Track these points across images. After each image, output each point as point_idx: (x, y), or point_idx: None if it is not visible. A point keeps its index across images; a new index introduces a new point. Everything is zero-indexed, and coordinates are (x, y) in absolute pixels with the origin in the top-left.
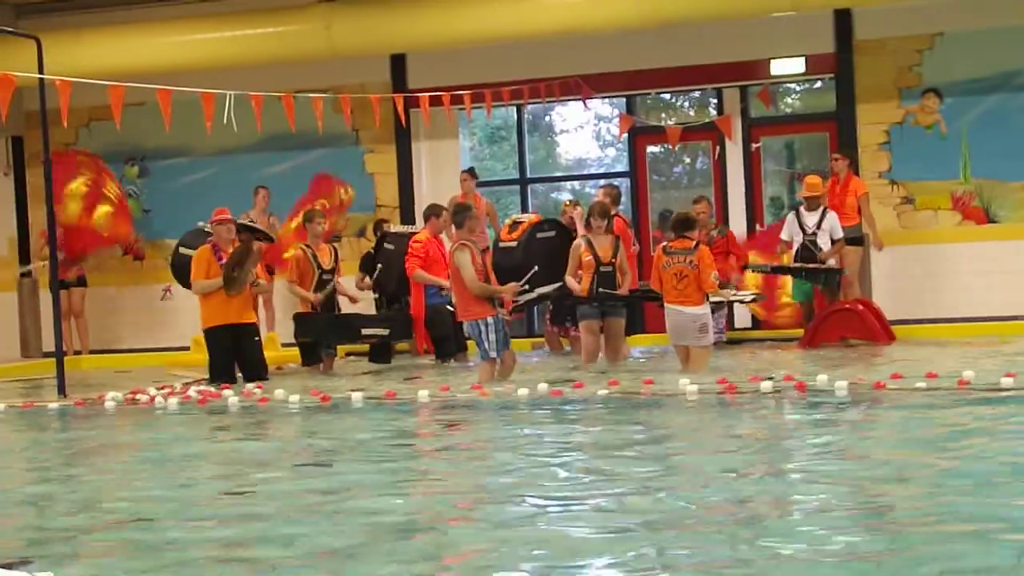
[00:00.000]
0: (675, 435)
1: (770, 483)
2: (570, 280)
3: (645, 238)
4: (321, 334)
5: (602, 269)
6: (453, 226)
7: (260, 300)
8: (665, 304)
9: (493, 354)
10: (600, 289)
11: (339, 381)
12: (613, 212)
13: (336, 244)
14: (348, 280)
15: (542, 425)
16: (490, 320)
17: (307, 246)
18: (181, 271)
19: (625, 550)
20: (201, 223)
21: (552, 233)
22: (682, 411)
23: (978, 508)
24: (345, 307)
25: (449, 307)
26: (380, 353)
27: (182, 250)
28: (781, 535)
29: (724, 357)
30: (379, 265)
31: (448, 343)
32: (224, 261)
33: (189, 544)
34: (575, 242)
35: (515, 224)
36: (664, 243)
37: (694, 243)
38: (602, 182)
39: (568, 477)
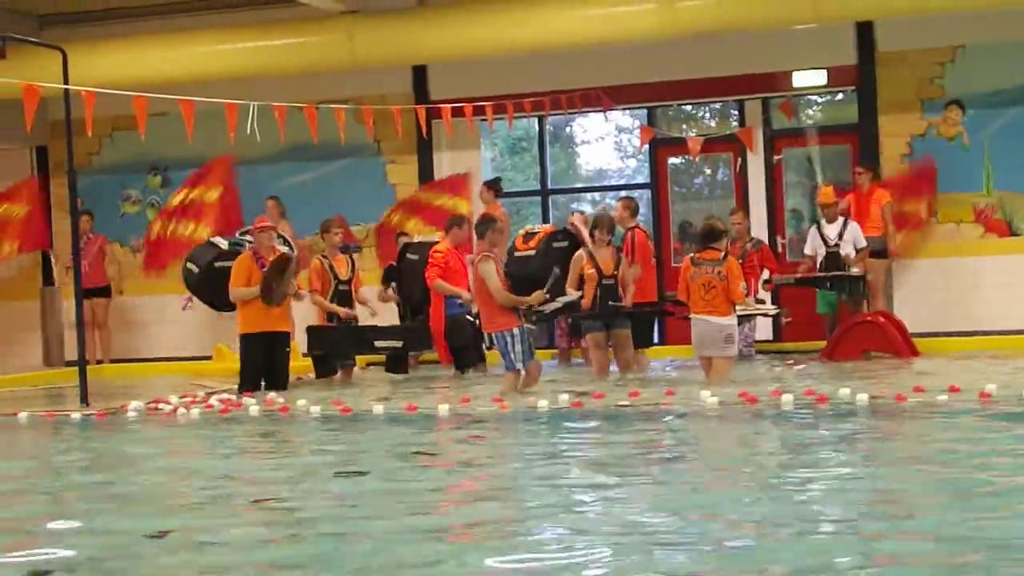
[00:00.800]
0: (694, 449)
1: (785, 502)
2: (571, 291)
3: (666, 250)
4: (335, 347)
5: (604, 282)
6: (476, 237)
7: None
8: (692, 314)
9: (519, 365)
10: (610, 302)
11: (358, 391)
12: (632, 224)
13: (357, 254)
14: (369, 290)
15: (567, 437)
16: (516, 331)
17: (324, 256)
18: (187, 283)
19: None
20: (213, 237)
21: (566, 243)
22: (703, 423)
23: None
24: (363, 317)
25: (469, 317)
26: (397, 363)
27: (189, 265)
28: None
29: (745, 370)
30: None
31: (467, 354)
32: (265, 268)
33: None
34: (576, 254)
35: (530, 234)
36: (692, 254)
37: (722, 254)
38: (622, 193)
39: (583, 501)
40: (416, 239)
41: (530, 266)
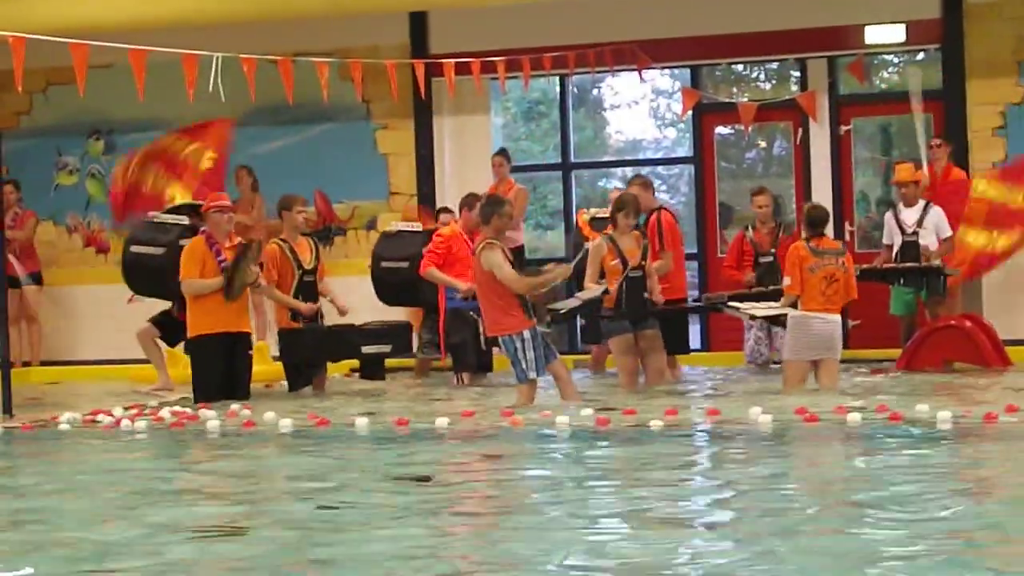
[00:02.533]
0: (741, 477)
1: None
2: (590, 285)
3: (711, 236)
4: (313, 352)
5: (631, 274)
6: (481, 222)
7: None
8: (803, 312)
9: (532, 374)
10: (646, 300)
11: (337, 402)
12: (657, 206)
13: (340, 238)
14: (340, 283)
15: (593, 459)
16: (526, 334)
17: (283, 240)
18: (133, 273)
19: None
20: (153, 212)
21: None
22: (756, 444)
23: None
24: (330, 315)
25: (472, 313)
26: (374, 369)
27: (134, 248)
28: None
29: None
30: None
31: (465, 353)
32: (223, 257)
33: None
34: (595, 243)
35: (598, 220)
36: (806, 241)
37: (841, 243)
38: (660, 169)
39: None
40: (394, 227)
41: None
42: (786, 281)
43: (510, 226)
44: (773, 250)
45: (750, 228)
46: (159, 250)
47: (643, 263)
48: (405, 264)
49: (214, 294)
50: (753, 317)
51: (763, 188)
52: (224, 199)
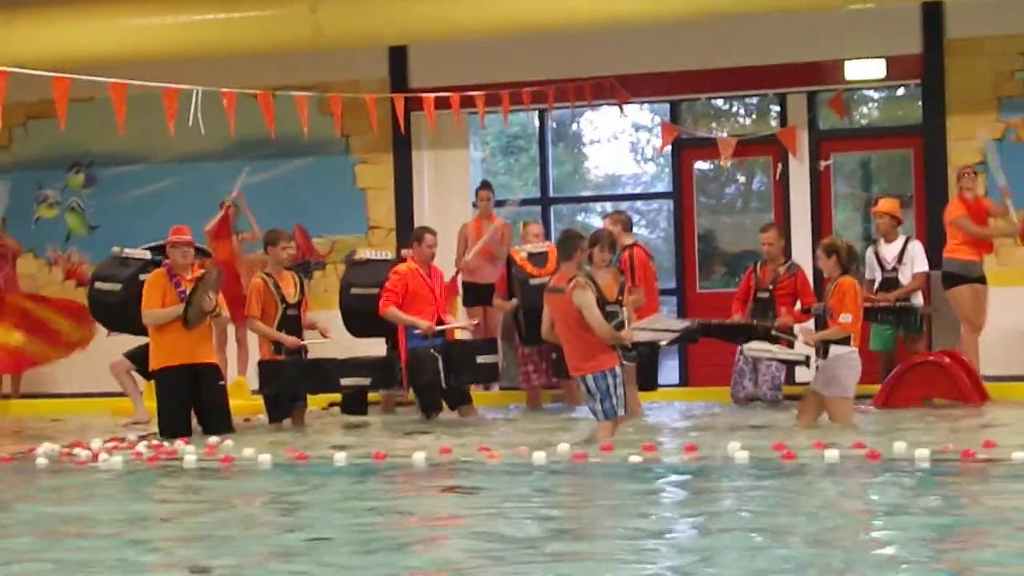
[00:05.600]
0: (717, 513)
1: None
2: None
3: (690, 270)
4: (292, 385)
5: (608, 308)
6: (561, 259)
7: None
8: (853, 346)
9: (622, 411)
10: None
11: (318, 437)
12: (631, 242)
13: (319, 272)
14: (320, 317)
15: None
16: (618, 370)
17: (268, 274)
18: (95, 309)
19: None
20: (117, 248)
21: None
22: (732, 481)
23: None
24: (313, 344)
25: (433, 352)
26: (355, 403)
27: (98, 284)
28: None
29: (773, 417)
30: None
31: (432, 394)
32: (182, 288)
33: None
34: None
35: (536, 256)
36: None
37: None
38: (639, 204)
39: None
40: (360, 255)
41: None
42: (847, 318)
43: (584, 260)
44: (771, 287)
45: (757, 264)
46: (116, 286)
47: (620, 298)
48: (376, 291)
49: (174, 325)
50: (782, 360)
51: (771, 224)
52: (184, 233)
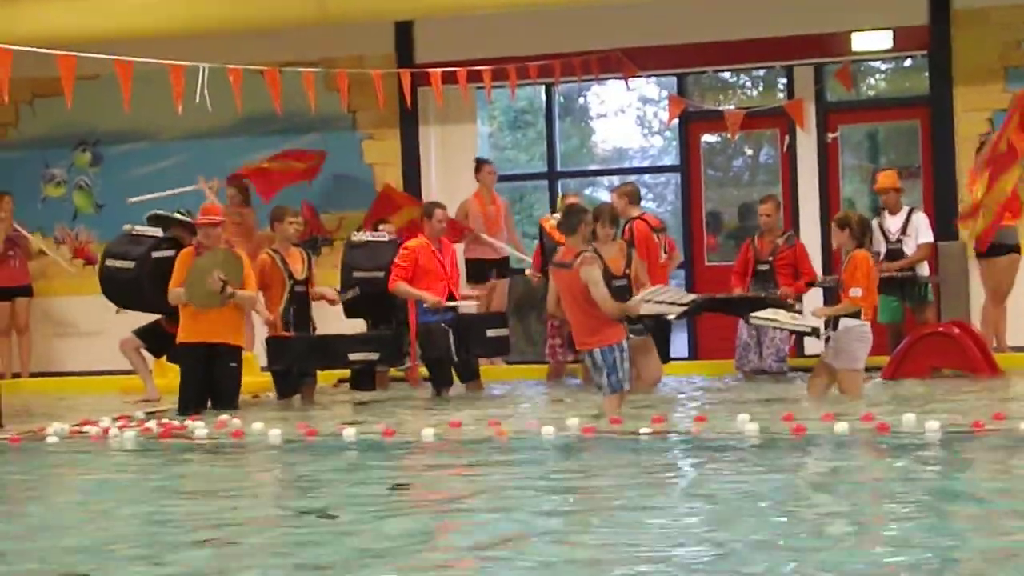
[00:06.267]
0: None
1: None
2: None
3: (698, 244)
4: (300, 361)
5: (614, 283)
6: (565, 233)
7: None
8: (865, 320)
9: (627, 385)
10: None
11: (325, 413)
12: (636, 214)
13: (327, 248)
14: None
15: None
16: (624, 344)
17: (275, 250)
18: (108, 286)
19: None
20: (129, 225)
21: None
22: (740, 455)
23: None
24: (322, 321)
25: (444, 326)
26: (365, 379)
27: (108, 262)
28: None
29: (782, 389)
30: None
31: (444, 370)
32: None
33: None
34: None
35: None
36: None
37: None
38: (646, 178)
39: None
40: (358, 236)
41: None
42: (857, 292)
43: (588, 234)
44: (770, 259)
45: (755, 236)
46: (130, 263)
47: (627, 272)
48: (380, 274)
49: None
50: (791, 331)
51: (770, 196)
52: (217, 211)
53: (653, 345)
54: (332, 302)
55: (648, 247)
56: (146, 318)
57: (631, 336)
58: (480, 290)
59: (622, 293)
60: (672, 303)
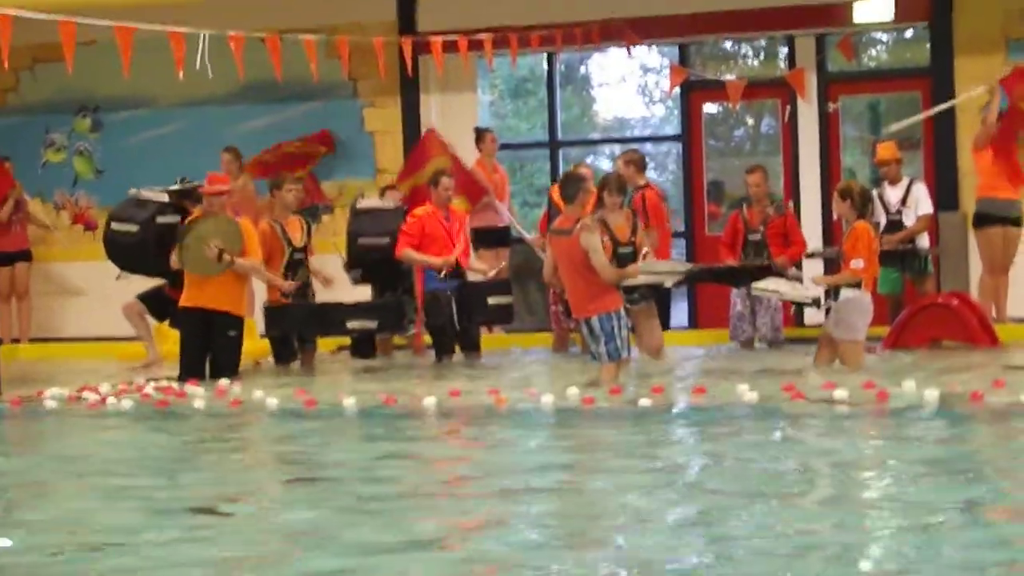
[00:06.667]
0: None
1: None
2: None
3: (699, 214)
4: (298, 327)
5: (620, 251)
6: (565, 201)
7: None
8: (865, 291)
9: (626, 353)
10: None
11: (324, 380)
12: (643, 183)
13: (327, 216)
14: (329, 261)
15: (580, 440)
16: (622, 312)
17: (275, 219)
18: (112, 250)
19: None
20: (134, 190)
21: None
22: (736, 424)
23: None
24: (320, 292)
25: (448, 293)
26: (364, 346)
27: (115, 225)
28: None
29: (790, 359)
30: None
31: (446, 337)
32: None
33: None
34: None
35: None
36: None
37: None
38: (647, 147)
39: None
40: (364, 203)
41: None
42: (859, 263)
43: (586, 201)
44: (762, 228)
45: (744, 207)
46: (134, 227)
47: (633, 240)
48: (386, 241)
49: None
50: (791, 301)
51: (758, 166)
52: (224, 181)
53: (656, 313)
54: (326, 283)
55: (658, 215)
56: (148, 283)
57: (629, 305)
58: (491, 262)
59: (627, 261)
60: (669, 272)
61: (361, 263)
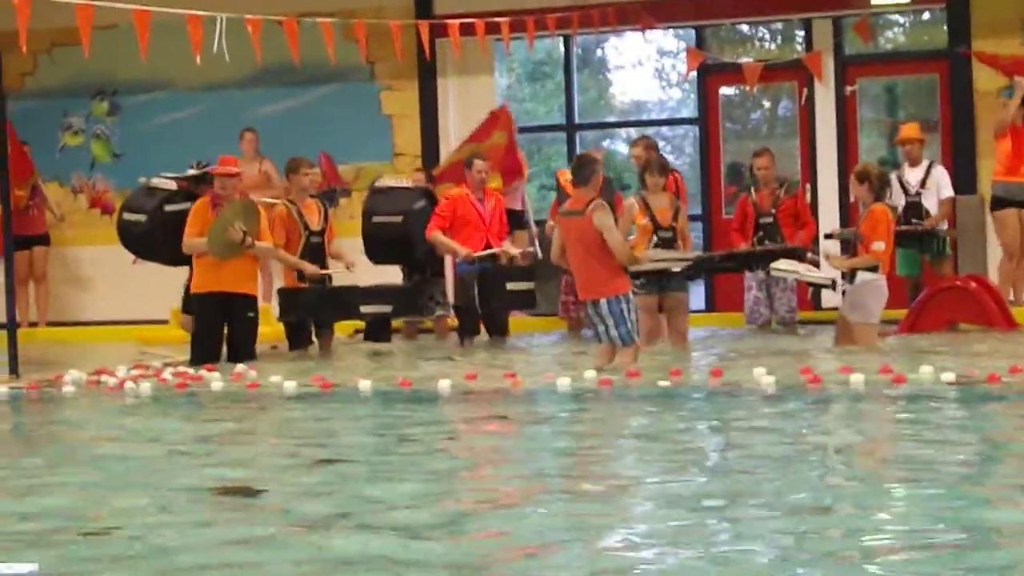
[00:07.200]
0: (741, 438)
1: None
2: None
3: (716, 197)
4: (312, 312)
5: (661, 234)
6: (577, 183)
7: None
8: (882, 275)
9: (636, 336)
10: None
11: (343, 364)
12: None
13: (344, 199)
14: (344, 244)
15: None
16: (631, 295)
17: (291, 202)
18: (127, 239)
19: None
20: (144, 178)
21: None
22: (752, 407)
23: None
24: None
25: (472, 276)
26: (380, 331)
27: (126, 215)
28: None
29: (806, 343)
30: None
31: (469, 319)
32: None
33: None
34: (627, 202)
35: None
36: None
37: None
38: (664, 130)
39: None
40: (383, 183)
41: None
42: (880, 245)
43: (599, 183)
44: (773, 211)
45: (752, 190)
46: (142, 216)
47: (674, 224)
48: (399, 219)
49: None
50: (809, 283)
51: (765, 149)
52: (234, 163)
53: (688, 304)
54: (349, 267)
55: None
56: (162, 270)
57: (637, 292)
58: (521, 245)
59: (668, 245)
60: (678, 259)
61: (375, 241)
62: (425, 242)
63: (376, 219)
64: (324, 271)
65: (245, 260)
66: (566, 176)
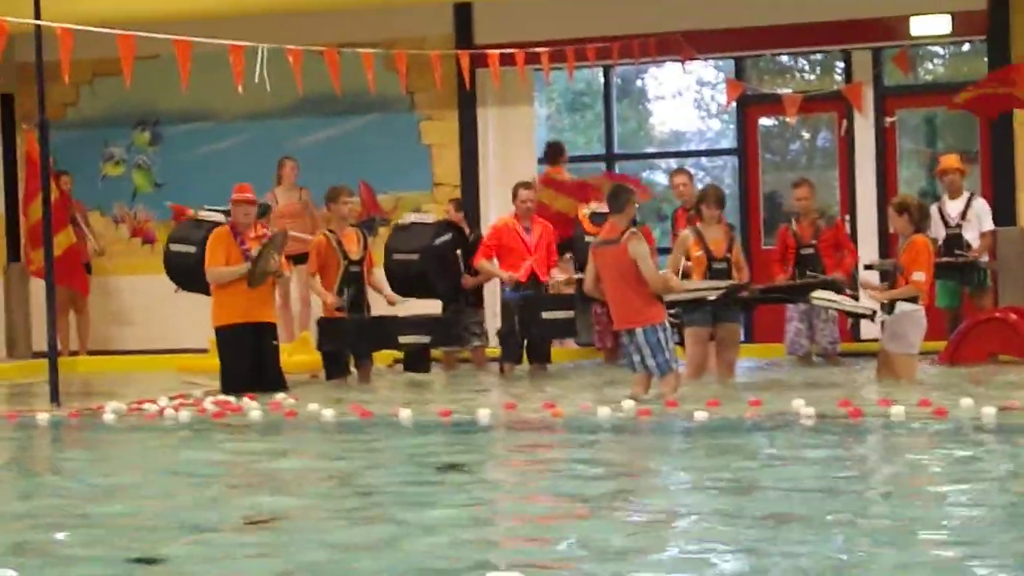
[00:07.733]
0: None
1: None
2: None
3: (755, 228)
4: (350, 343)
5: (715, 266)
6: (611, 212)
7: (278, 296)
8: (921, 306)
9: (675, 365)
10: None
11: (382, 394)
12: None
13: (384, 228)
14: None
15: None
16: (666, 323)
17: (331, 231)
18: (171, 270)
19: None
20: (192, 211)
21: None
22: (797, 437)
23: None
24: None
25: (515, 303)
26: (417, 361)
27: (172, 246)
28: None
29: (839, 374)
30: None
31: (510, 346)
32: (247, 247)
33: None
34: (682, 233)
35: (598, 215)
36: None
37: None
38: (703, 161)
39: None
40: (407, 219)
41: None
42: (920, 276)
43: (633, 213)
44: (814, 241)
45: (793, 221)
46: (191, 248)
47: (728, 255)
48: (415, 257)
49: (237, 283)
50: (848, 313)
51: (803, 180)
52: (247, 191)
53: (739, 335)
54: (391, 302)
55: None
56: (201, 299)
57: (691, 323)
58: (567, 272)
59: (722, 276)
60: (712, 288)
61: (394, 278)
62: (445, 277)
63: (395, 256)
64: (336, 301)
65: (265, 287)
66: (583, 211)
